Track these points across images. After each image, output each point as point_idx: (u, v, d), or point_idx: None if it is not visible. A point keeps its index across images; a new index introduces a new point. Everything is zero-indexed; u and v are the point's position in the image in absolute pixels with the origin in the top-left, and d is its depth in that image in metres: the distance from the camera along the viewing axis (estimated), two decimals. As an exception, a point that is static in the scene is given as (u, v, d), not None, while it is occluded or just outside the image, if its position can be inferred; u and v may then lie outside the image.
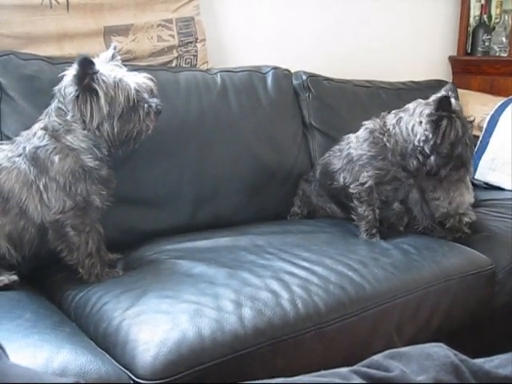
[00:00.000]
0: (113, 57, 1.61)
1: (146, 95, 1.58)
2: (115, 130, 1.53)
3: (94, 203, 1.57)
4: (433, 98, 1.88)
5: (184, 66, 2.24)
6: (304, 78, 2.45)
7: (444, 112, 1.79)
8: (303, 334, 1.38)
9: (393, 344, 1.58)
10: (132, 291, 1.44)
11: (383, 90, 2.72)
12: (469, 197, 2.10)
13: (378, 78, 2.79)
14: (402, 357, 0.79)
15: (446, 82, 3.04)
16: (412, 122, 1.85)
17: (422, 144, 1.82)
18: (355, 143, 1.99)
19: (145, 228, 1.93)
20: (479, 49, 3.26)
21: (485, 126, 2.85)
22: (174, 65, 2.22)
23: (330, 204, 2.20)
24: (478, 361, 0.90)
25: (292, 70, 2.45)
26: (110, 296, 1.43)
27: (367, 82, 2.70)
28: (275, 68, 2.36)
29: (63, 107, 1.53)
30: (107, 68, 1.54)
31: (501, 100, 2.90)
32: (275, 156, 2.23)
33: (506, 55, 3.17)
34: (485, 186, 2.80)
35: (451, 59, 3.34)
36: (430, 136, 1.79)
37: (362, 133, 1.99)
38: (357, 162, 1.95)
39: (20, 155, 1.51)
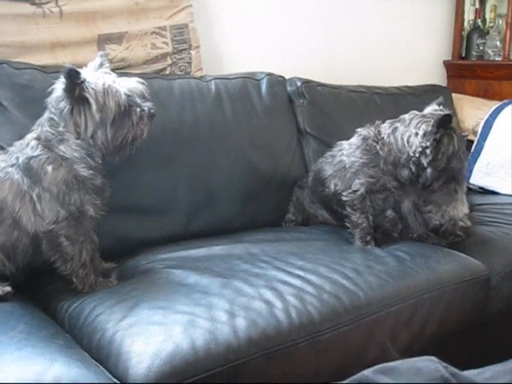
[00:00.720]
0: (101, 64, 1.61)
1: (137, 99, 1.58)
2: (109, 136, 1.53)
3: (88, 213, 1.56)
4: (429, 110, 1.91)
5: (178, 73, 2.24)
6: (298, 84, 2.45)
7: (445, 129, 1.81)
8: (297, 343, 1.38)
9: (387, 352, 1.58)
10: (126, 302, 1.44)
11: (378, 95, 2.72)
12: (463, 208, 2.10)
13: (372, 82, 2.80)
14: (393, 371, 0.79)
15: (441, 87, 3.06)
16: (408, 133, 1.86)
17: (418, 155, 1.82)
18: (348, 150, 1.99)
19: (140, 236, 1.93)
20: (473, 53, 3.27)
21: (479, 130, 2.86)
22: (168, 72, 2.22)
23: (322, 211, 2.20)
24: (470, 373, 0.90)
25: (286, 77, 2.45)
26: (104, 307, 1.43)
27: (362, 87, 2.71)
28: (269, 74, 2.36)
29: (55, 118, 1.53)
30: (95, 76, 1.54)
31: (495, 104, 2.91)
32: (270, 163, 2.23)
33: (500, 59, 3.18)
34: (480, 190, 2.81)
35: (446, 63, 3.35)
36: (429, 151, 1.80)
37: (355, 140, 1.99)
38: (349, 170, 1.95)
39: (13, 165, 1.51)
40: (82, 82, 1.49)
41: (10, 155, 1.54)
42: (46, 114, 1.56)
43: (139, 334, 1.29)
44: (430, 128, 1.81)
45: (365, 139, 1.94)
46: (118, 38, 2.07)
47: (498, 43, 3.23)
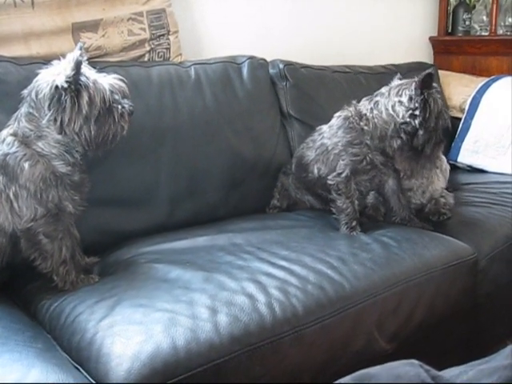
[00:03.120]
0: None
1: (118, 97, 1.55)
2: (92, 133, 1.49)
3: (67, 209, 1.53)
4: (408, 80, 1.90)
5: (157, 59, 2.19)
6: (281, 66, 2.41)
7: (427, 89, 1.82)
8: (281, 338, 1.35)
9: (374, 341, 1.57)
10: (106, 300, 1.41)
11: (363, 74, 2.69)
12: (439, 183, 2.08)
13: (357, 62, 2.76)
14: (371, 379, 0.77)
15: (427, 64, 3.02)
16: (390, 103, 1.86)
17: (408, 119, 1.82)
18: (328, 132, 1.96)
19: (122, 229, 1.90)
20: (460, 28, 3.23)
21: (466, 107, 2.83)
22: (146, 59, 2.17)
23: (308, 196, 2.17)
24: (452, 373, 0.88)
25: (268, 59, 2.41)
26: (84, 306, 1.40)
27: (346, 67, 2.67)
28: (251, 58, 2.31)
29: (34, 112, 1.49)
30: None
31: (482, 80, 2.88)
32: (253, 148, 2.19)
33: (487, 34, 3.14)
34: (468, 168, 2.78)
35: (432, 40, 3.31)
36: (418, 112, 1.81)
37: (335, 121, 1.96)
38: (332, 151, 1.92)
39: None
40: (80, 74, 1.46)
41: None
42: (24, 108, 1.50)
43: (119, 334, 1.26)
44: (413, 91, 1.82)
45: (346, 119, 1.92)
46: (93, 26, 2.01)
47: (485, 18, 3.18)
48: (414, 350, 1.56)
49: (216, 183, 2.08)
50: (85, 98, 1.46)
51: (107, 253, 1.77)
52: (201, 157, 2.04)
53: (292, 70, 2.42)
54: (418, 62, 3.01)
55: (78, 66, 1.45)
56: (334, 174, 1.91)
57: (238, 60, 2.29)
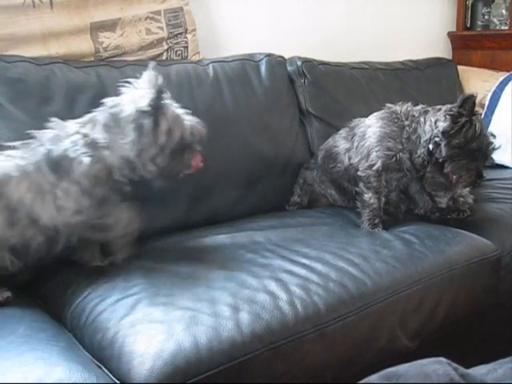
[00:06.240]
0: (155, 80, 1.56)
1: (194, 139, 1.57)
2: (164, 163, 1.52)
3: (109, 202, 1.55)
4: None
5: (175, 58, 2.19)
6: (299, 63, 2.40)
7: (465, 111, 1.79)
8: (303, 336, 1.34)
9: (397, 339, 1.55)
10: (127, 298, 1.40)
11: (381, 71, 2.66)
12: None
13: (375, 58, 2.74)
14: (399, 378, 0.76)
15: (446, 60, 3.00)
16: (437, 116, 1.84)
17: (436, 132, 1.81)
18: (370, 120, 1.96)
19: (143, 227, 1.89)
20: (479, 23, 3.20)
21: (486, 103, 2.79)
22: (164, 58, 2.17)
23: (331, 190, 2.16)
24: (480, 371, 0.86)
25: (286, 56, 2.40)
26: (105, 305, 1.39)
27: (364, 63, 2.65)
28: (269, 55, 2.31)
29: (113, 127, 1.49)
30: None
31: (502, 75, 2.85)
32: (272, 146, 2.19)
33: (506, 28, 3.11)
34: (488, 164, 2.74)
35: (450, 35, 3.27)
36: (446, 125, 1.79)
37: (381, 112, 1.95)
38: (368, 139, 1.92)
39: (36, 161, 1.44)
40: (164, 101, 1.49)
41: (31, 150, 1.46)
42: (103, 118, 1.50)
43: (141, 333, 1.26)
44: (453, 111, 1.80)
45: (393, 112, 1.92)
46: (111, 25, 2.02)
47: (504, 11, 3.15)
48: (437, 347, 1.54)
49: (234, 181, 2.08)
50: (163, 127, 1.48)
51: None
52: (218, 155, 2.03)
53: (310, 66, 2.41)
54: (436, 57, 2.98)
55: (159, 92, 1.46)
56: (366, 165, 1.90)
57: (256, 57, 2.28)
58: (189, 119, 1.56)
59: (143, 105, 1.46)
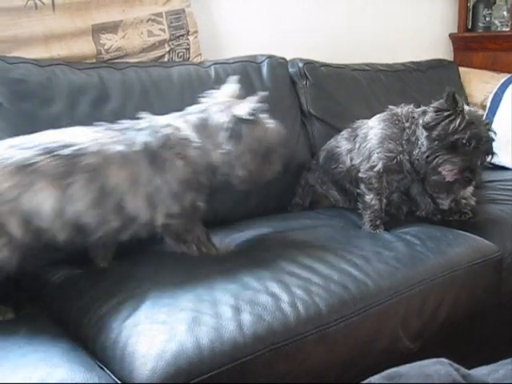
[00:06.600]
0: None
1: (280, 142, 1.64)
2: (255, 168, 1.58)
3: (200, 208, 1.61)
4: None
5: (177, 60, 2.20)
6: (300, 65, 2.40)
7: (448, 105, 1.79)
8: (304, 337, 1.34)
9: (398, 340, 1.55)
10: (130, 299, 1.40)
11: (383, 72, 2.67)
12: (469, 188, 2.06)
13: (376, 59, 2.74)
14: (401, 378, 0.76)
15: (447, 61, 3.00)
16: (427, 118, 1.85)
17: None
18: (373, 122, 1.96)
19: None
20: (480, 24, 3.20)
21: (488, 104, 2.80)
22: (166, 59, 2.18)
23: (333, 191, 2.17)
24: (482, 372, 0.87)
25: (287, 56, 2.40)
26: (109, 306, 1.40)
27: (366, 65, 2.65)
28: (270, 57, 2.31)
29: (204, 130, 1.55)
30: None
31: (504, 77, 2.85)
32: (273, 147, 2.18)
33: (507, 30, 3.11)
34: (489, 165, 2.74)
35: (452, 36, 3.28)
36: (427, 117, 1.81)
37: (383, 114, 1.96)
38: (369, 141, 1.92)
39: (136, 151, 1.46)
40: None
41: (128, 136, 1.48)
42: (196, 119, 1.57)
43: (143, 334, 1.26)
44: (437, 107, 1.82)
45: (394, 114, 1.92)
46: (113, 27, 2.03)
47: (505, 13, 3.15)
48: (439, 348, 1.54)
49: (236, 182, 2.07)
50: (257, 133, 1.54)
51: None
52: (221, 156, 2.03)
53: (312, 68, 2.41)
54: (438, 59, 2.98)
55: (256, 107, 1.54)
56: (367, 166, 1.91)
57: (258, 59, 2.29)
58: (271, 122, 1.62)
59: (242, 113, 1.52)
